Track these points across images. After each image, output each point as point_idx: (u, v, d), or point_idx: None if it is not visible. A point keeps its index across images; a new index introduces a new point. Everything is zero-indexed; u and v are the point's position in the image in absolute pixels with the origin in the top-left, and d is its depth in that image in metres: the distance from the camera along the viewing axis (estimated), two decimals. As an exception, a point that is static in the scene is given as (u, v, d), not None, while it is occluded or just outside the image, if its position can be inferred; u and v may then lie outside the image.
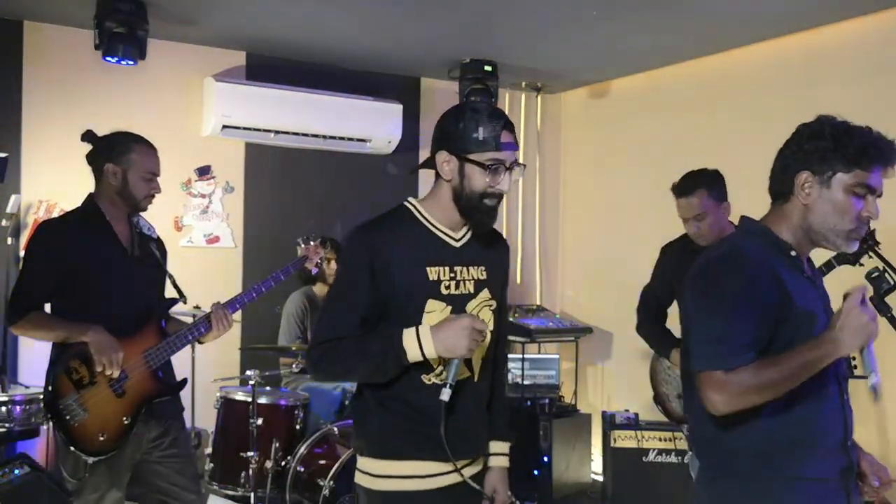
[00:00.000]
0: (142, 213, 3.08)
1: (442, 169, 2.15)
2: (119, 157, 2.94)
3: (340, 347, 2.05)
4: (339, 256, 4.94)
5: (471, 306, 2.15)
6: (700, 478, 2.04)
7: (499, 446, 2.32)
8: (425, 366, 2.06)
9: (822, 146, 1.92)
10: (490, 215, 2.14)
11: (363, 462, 2.15)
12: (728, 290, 1.88)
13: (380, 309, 2.07)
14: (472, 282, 2.17)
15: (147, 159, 2.96)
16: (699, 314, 1.93)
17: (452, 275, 2.13)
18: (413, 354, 1.99)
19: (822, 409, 1.91)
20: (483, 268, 2.20)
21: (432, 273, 2.11)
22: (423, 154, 5.92)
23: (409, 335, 1.99)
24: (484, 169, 2.08)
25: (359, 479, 2.15)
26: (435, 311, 2.09)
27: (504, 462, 2.34)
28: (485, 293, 2.19)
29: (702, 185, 3.42)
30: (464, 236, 2.19)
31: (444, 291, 2.11)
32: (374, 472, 2.11)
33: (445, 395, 1.97)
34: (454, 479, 2.11)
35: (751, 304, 1.85)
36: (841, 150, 1.90)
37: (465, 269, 2.16)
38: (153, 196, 3.00)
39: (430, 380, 2.10)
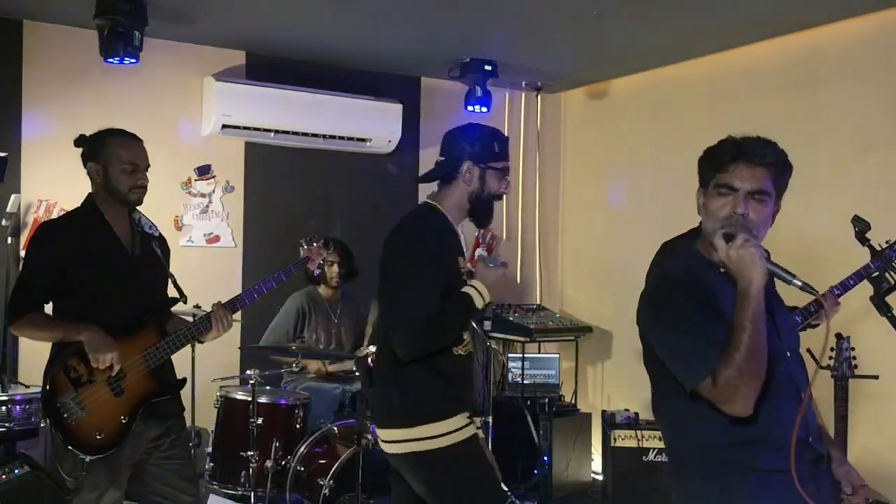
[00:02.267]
0: (142, 211, 3.08)
1: (465, 177, 2.72)
2: (97, 153, 2.94)
3: (437, 324, 2.56)
4: (342, 259, 4.94)
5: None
6: (674, 482, 2.12)
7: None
8: (456, 340, 2.66)
9: (701, 165, 2.08)
10: (492, 213, 2.81)
11: (419, 430, 2.59)
12: (671, 308, 1.99)
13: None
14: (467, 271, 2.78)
15: (125, 151, 2.93)
16: (659, 337, 2.02)
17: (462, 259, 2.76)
18: (479, 303, 2.61)
19: (779, 407, 1.96)
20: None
21: (461, 261, 2.74)
22: (424, 154, 5.92)
23: (472, 292, 2.61)
24: (501, 174, 2.74)
25: (413, 447, 2.60)
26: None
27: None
28: None
29: None
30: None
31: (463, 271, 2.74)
32: (433, 434, 2.58)
33: (488, 325, 2.82)
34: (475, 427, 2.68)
35: (698, 314, 1.94)
36: (710, 158, 2.05)
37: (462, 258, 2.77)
38: (141, 188, 2.95)
39: (457, 351, 2.67)
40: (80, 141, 3.02)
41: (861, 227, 3.24)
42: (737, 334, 1.86)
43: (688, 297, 1.96)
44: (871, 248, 3.24)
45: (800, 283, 1.91)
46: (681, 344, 1.95)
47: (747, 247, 1.89)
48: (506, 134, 2.84)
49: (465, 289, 2.62)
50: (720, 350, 1.88)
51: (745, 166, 1.97)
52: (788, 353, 2.03)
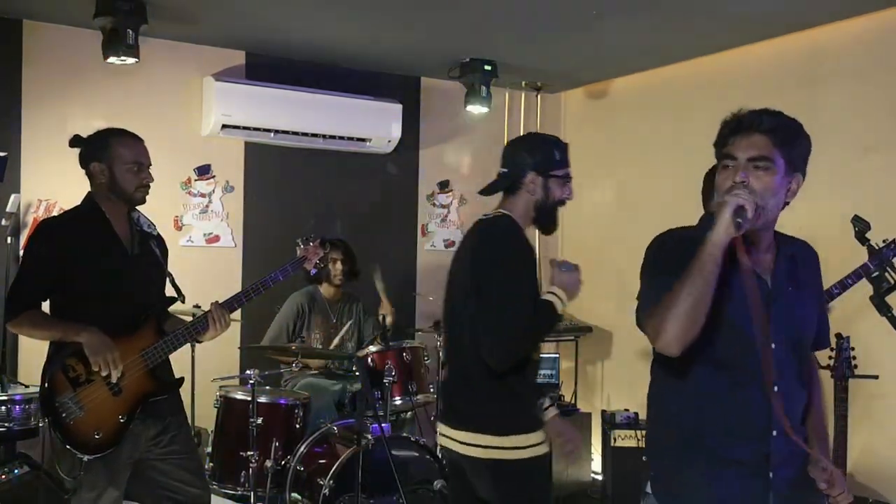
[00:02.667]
0: (142, 210, 3.08)
1: (528, 187, 2.80)
2: (101, 153, 2.94)
3: (532, 329, 2.66)
4: (346, 257, 4.96)
5: None
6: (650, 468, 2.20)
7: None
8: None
9: (715, 147, 2.09)
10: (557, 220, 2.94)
11: (510, 440, 2.63)
12: (652, 257, 2.10)
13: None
14: None
15: (129, 150, 2.95)
16: (642, 282, 2.09)
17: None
18: (560, 310, 2.71)
19: (750, 398, 1.99)
20: None
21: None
22: (423, 154, 5.92)
23: (554, 299, 2.71)
24: (563, 181, 2.85)
25: (499, 454, 2.64)
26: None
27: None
28: None
29: None
30: None
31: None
32: (523, 445, 2.64)
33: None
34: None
35: (670, 263, 1.98)
36: (715, 144, 2.08)
37: None
38: (146, 186, 2.97)
39: (535, 356, 2.77)
40: (75, 141, 3.03)
41: (861, 227, 3.24)
42: (680, 280, 1.89)
43: (666, 260, 2.01)
44: (870, 247, 3.24)
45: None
46: (645, 289, 2.03)
47: (726, 197, 1.91)
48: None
49: (546, 296, 2.70)
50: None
51: (743, 136, 2.00)
52: (774, 345, 1.99)
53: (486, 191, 2.91)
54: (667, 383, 2.09)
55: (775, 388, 1.97)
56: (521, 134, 2.86)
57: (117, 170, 2.92)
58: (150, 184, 2.99)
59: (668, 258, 2.01)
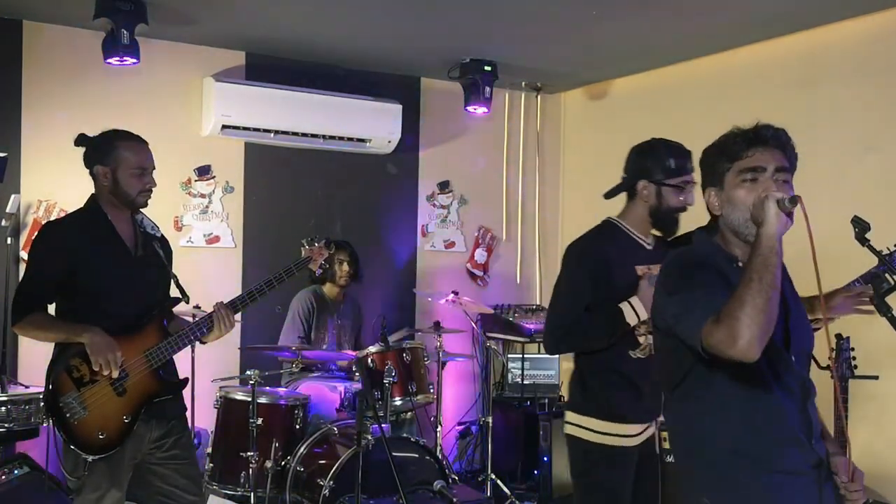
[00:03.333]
0: (144, 212, 3.08)
1: (642, 194, 2.86)
2: (105, 156, 2.94)
3: (580, 327, 2.79)
4: (351, 259, 4.98)
5: None
6: (685, 491, 2.15)
7: None
8: (632, 343, 2.82)
9: (708, 160, 2.10)
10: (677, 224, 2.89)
11: (588, 420, 2.82)
12: (679, 275, 2.05)
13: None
14: None
15: (133, 155, 2.94)
16: (669, 308, 2.03)
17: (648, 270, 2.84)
18: (631, 319, 2.76)
19: (785, 407, 2.00)
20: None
21: (639, 269, 2.85)
22: (423, 154, 5.92)
23: (626, 308, 2.76)
24: (678, 189, 2.81)
25: (576, 432, 2.85)
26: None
27: None
28: None
29: None
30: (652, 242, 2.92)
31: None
32: (598, 430, 2.81)
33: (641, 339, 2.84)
34: (640, 438, 2.87)
35: (702, 279, 1.98)
36: (719, 154, 2.07)
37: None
38: (149, 191, 2.97)
39: (635, 354, 2.83)
40: (81, 140, 3.02)
41: (861, 228, 3.23)
42: (747, 273, 1.84)
43: (705, 272, 1.99)
44: (872, 248, 3.22)
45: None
46: (690, 304, 1.94)
47: (763, 194, 1.90)
48: (677, 145, 2.88)
49: (622, 303, 2.77)
50: (717, 303, 1.88)
51: (763, 148, 1.99)
52: (794, 357, 2.04)
53: (607, 194, 3.06)
54: (703, 420, 2.05)
55: (808, 400, 2.04)
56: (643, 141, 2.88)
57: (121, 174, 2.92)
58: (153, 188, 2.99)
59: (708, 279, 1.98)
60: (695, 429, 2.09)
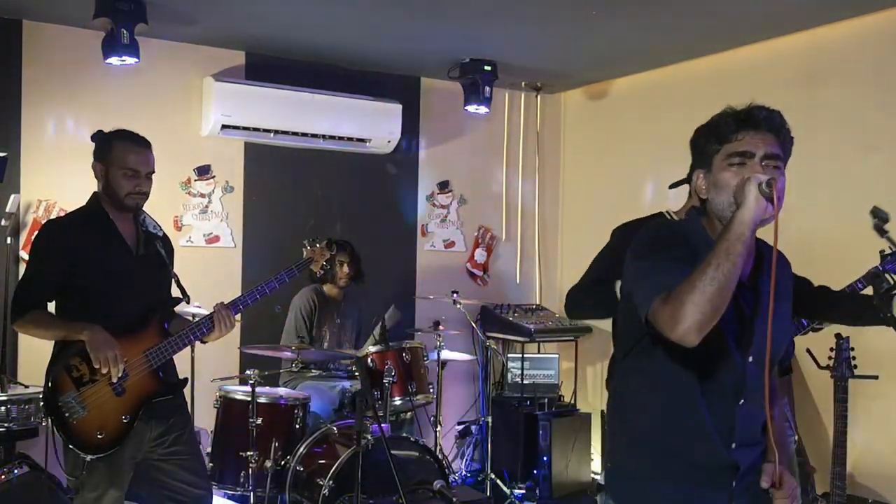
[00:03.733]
0: (147, 211, 3.08)
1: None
2: (101, 154, 2.95)
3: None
4: (352, 259, 4.98)
5: None
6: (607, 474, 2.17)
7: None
8: None
9: (696, 141, 2.03)
10: None
11: None
12: (652, 244, 1.97)
13: None
14: None
15: (127, 155, 2.92)
16: (630, 269, 1.98)
17: None
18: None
19: (707, 402, 1.95)
20: None
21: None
22: (423, 154, 5.93)
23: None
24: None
25: None
26: None
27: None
28: None
29: None
30: None
31: None
32: None
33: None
34: None
35: (675, 252, 1.90)
36: (708, 135, 1.99)
37: None
38: (139, 194, 2.94)
39: None
40: (93, 136, 3.02)
41: (880, 219, 3.13)
42: (709, 256, 1.77)
43: (677, 246, 1.92)
44: (892, 240, 3.17)
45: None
46: (650, 273, 1.88)
47: (747, 175, 1.83)
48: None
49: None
50: (676, 280, 1.81)
51: (754, 132, 1.91)
52: (751, 358, 1.95)
53: (673, 185, 2.96)
54: (638, 389, 2.05)
55: (741, 402, 1.96)
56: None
57: (112, 173, 2.92)
58: (146, 192, 2.96)
59: (675, 253, 1.89)
60: (627, 397, 2.10)
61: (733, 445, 1.98)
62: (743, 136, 1.91)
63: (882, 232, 3.14)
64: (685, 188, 2.71)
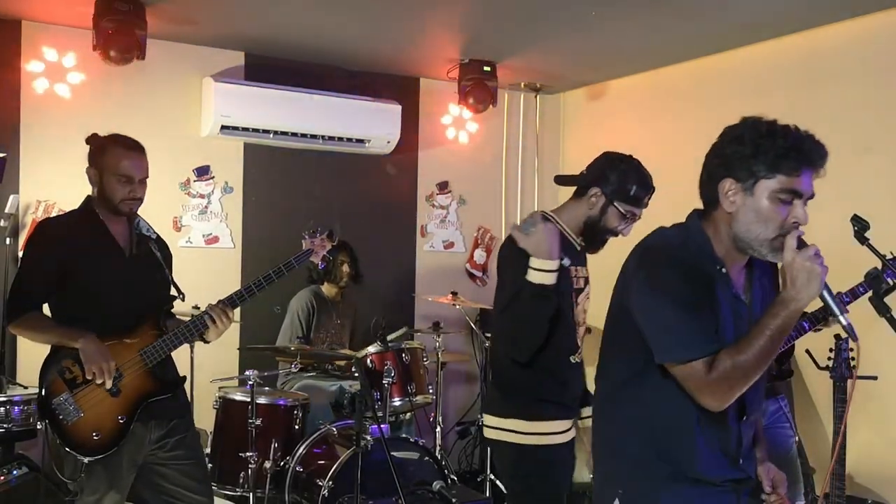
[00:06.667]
0: (140, 214, 3.07)
1: (590, 200, 2.83)
2: (96, 159, 2.94)
3: (510, 321, 2.67)
4: (352, 259, 4.98)
5: (581, 298, 2.86)
6: (599, 480, 2.11)
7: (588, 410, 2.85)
8: (571, 349, 2.77)
9: (743, 152, 1.88)
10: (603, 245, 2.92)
11: (514, 423, 2.72)
12: (674, 284, 1.86)
13: None
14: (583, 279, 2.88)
15: (122, 161, 2.90)
16: (649, 306, 1.91)
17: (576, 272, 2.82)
18: (542, 277, 2.59)
19: (716, 421, 1.92)
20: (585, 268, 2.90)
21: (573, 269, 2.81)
22: (422, 154, 5.92)
23: (529, 273, 2.59)
24: (623, 215, 2.79)
25: (503, 436, 2.74)
26: None
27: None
28: (588, 288, 2.91)
29: None
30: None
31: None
32: (524, 431, 2.71)
33: (567, 261, 2.73)
34: (570, 435, 2.81)
35: (699, 299, 1.85)
36: (762, 154, 1.85)
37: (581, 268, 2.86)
38: (133, 199, 2.92)
39: (575, 359, 2.79)
40: (88, 140, 3.01)
41: (861, 227, 3.22)
42: (757, 336, 1.77)
43: (689, 280, 1.86)
44: (872, 248, 3.21)
45: (845, 322, 1.81)
46: (674, 318, 1.83)
47: (816, 262, 1.78)
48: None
49: (526, 276, 2.61)
50: (712, 340, 1.81)
51: (811, 171, 1.87)
52: None
53: (559, 179, 3.02)
54: (644, 403, 1.98)
55: (744, 418, 1.98)
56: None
57: (106, 178, 2.91)
58: (139, 197, 2.94)
59: (692, 289, 1.85)
60: (626, 421, 2.02)
61: (741, 460, 1.99)
62: (800, 174, 1.85)
63: (863, 239, 3.17)
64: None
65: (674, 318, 1.85)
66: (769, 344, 1.77)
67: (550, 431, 2.74)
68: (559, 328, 2.69)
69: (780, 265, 1.90)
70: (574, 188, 2.93)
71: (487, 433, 2.83)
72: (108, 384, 2.79)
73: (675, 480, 1.94)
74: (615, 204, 2.77)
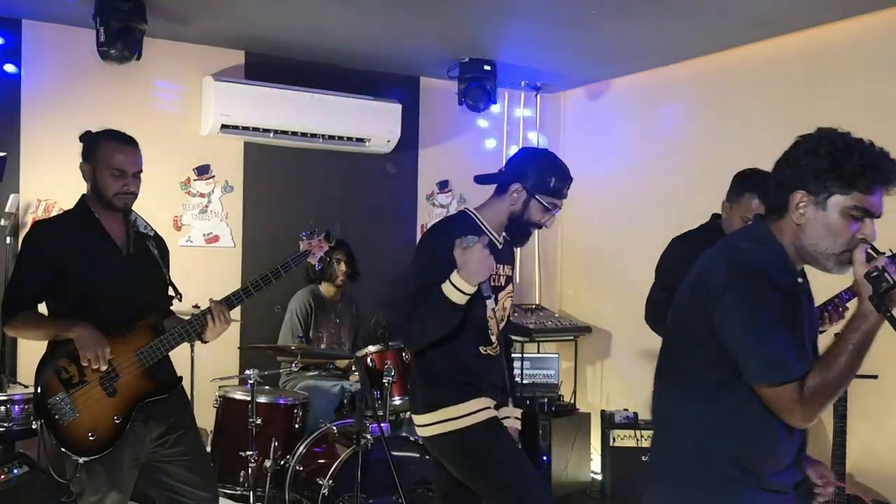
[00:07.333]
0: (138, 212, 3.06)
1: (511, 196, 2.88)
2: (88, 154, 2.93)
3: (413, 322, 2.67)
4: (349, 258, 4.99)
5: (502, 295, 2.88)
6: (663, 487, 2.06)
7: (512, 411, 2.89)
8: (483, 339, 2.79)
9: (819, 165, 1.85)
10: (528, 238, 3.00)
11: (443, 412, 2.73)
12: (766, 305, 1.85)
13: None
14: (504, 277, 2.92)
15: (114, 155, 2.89)
16: (740, 326, 1.87)
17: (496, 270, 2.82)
18: (457, 297, 2.56)
19: (787, 429, 1.93)
20: (510, 266, 2.96)
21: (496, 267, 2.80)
22: (422, 154, 5.92)
23: (445, 286, 2.57)
24: (545, 208, 2.85)
25: (438, 429, 2.74)
26: None
27: (517, 424, 2.92)
28: (510, 287, 2.97)
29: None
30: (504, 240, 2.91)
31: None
32: (455, 416, 2.72)
33: (490, 302, 2.65)
34: (496, 413, 2.80)
35: (789, 319, 1.86)
36: (838, 170, 1.83)
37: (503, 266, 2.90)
38: (127, 194, 2.91)
39: (485, 351, 2.81)
40: (81, 137, 3.01)
41: None
42: (842, 351, 1.81)
43: (780, 300, 1.85)
44: (872, 247, 3.21)
45: None
46: (765, 341, 1.82)
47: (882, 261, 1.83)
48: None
49: (443, 284, 2.60)
50: (803, 360, 1.84)
51: (884, 192, 1.86)
52: None
53: (479, 179, 3.05)
54: (723, 412, 1.94)
55: None
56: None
57: (99, 172, 2.90)
58: (133, 192, 2.93)
59: (779, 304, 1.85)
60: (702, 429, 1.97)
61: (801, 464, 2.02)
62: (873, 191, 1.84)
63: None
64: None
65: (765, 340, 1.84)
66: (854, 358, 1.82)
67: (478, 409, 2.75)
68: (467, 327, 2.74)
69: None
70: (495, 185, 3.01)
71: (421, 432, 2.83)
72: (103, 367, 2.77)
73: (754, 488, 1.94)
74: (537, 197, 2.84)
